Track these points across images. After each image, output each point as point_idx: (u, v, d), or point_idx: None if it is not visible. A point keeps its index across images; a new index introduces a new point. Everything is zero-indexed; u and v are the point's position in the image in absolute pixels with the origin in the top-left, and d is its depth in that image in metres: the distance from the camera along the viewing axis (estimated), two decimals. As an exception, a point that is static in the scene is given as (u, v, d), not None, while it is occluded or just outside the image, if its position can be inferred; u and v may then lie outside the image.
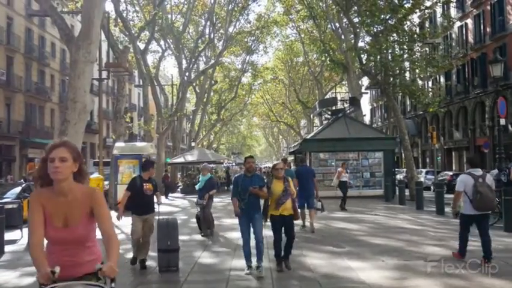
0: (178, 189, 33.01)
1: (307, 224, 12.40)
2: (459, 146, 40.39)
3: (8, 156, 35.35)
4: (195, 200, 12.33)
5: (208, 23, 36.87)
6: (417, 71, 28.95)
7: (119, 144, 21.51)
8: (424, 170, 34.81)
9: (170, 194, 28.55)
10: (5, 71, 34.35)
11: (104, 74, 21.57)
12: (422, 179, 27.48)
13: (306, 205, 12.32)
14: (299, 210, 13.53)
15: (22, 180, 27.36)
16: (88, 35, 13.16)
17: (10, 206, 12.37)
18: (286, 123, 60.72)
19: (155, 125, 33.43)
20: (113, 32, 26.67)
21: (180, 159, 33.20)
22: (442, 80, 41.48)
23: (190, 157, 32.82)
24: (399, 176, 29.41)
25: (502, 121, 14.68)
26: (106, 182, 21.30)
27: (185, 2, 35.01)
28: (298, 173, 12.80)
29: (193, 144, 43.31)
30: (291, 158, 36.99)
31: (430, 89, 35.61)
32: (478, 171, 7.95)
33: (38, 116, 40.01)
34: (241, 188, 7.55)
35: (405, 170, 30.60)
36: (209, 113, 49.25)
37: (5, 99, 34.95)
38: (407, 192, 21.13)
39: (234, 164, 48.48)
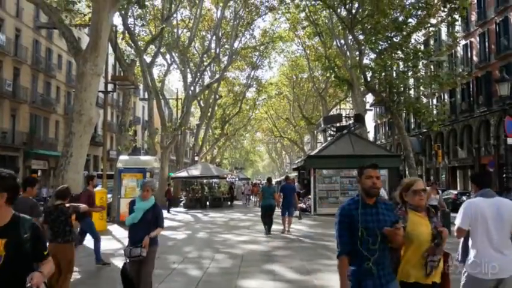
0: (181, 204, 32.89)
1: (288, 229, 15.54)
2: (464, 164, 40.21)
3: (11, 167, 35.31)
4: (125, 248, 6.45)
5: (214, 38, 37.09)
6: (421, 87, 29.01)
7: (123, 157, 21.49)
8: (428, 188, 34.62)
9: (172, 209, 28.42)
10: (12, 82, 34.49)
11: (110, 87, 21.61)
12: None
13: (287, 213, 15.63)
14: (282, 216, 15.73)
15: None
16: (95, 48, 13.22)
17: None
18: (290, 139, 60.72)
19: (159, 138, 33.45)
20: (120, 45, 26.82)
21: (183, 174, 33.13)
22: (446, 98, 41.47)
23: (194, 171, 32.74)
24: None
25: (510, 140, 14.60)
26: (110, 195, 21.23)
27: (192, 17, 35.28)
28: (282, 188, 16.34)
29: (196, 158, 43.28)
30: (294, 174, 36.92)
31: (435, 107, 35.59)
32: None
33: (43, 127, 40.07)
34: (366, 230, 3.72)
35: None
36: (213, 127, 49.31)
37: (11, 110, 35.04)
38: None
39: (237, 179, 48.34)
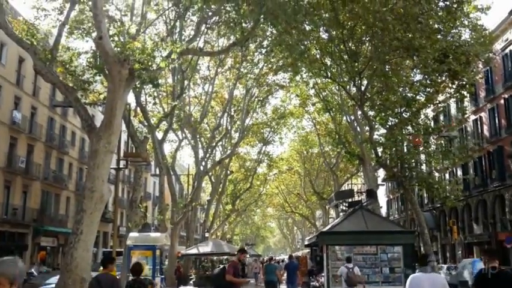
0: (191, 282, 32.01)
1: None
2: (480, 240, 39.16)
3: (20, 244, 34.98)
4: None
5: (226, 115, 37.68)
6: (433, 163, 28.87)
7: (133, 234, 21.18)
8: (445, 266, 33.51)
9: (182, 287, 27.64)
10: (25, 158, 34.93)
11: (122, 164, 21.72)
12: (443, 275, 26.40)
13: None
14: None
15: (33, 270, 26.86)
16: (109, 126, 13.40)
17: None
18: (301, 214, 60.02)
19: (169, 214, 33.17)
20: (133, 121, 27.28)
21: (194, 251, 32.46)
22: (459, 172, 41.14)
23: (205, 248, 32.07)
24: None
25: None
26: (118, 273, 20.74)
27: (203, 94, 36.08)
28: (286, 266, 18.52)
29: (206, 234, 42.66)
30: (307, 251, 36.09)
31: (448, 182, 35.24)
32: (350, 265, 14.36)
33: (54, 204, 40.06)
34: None
35: (425, 265, 29.46)
36: (224, 203, 49.01)
37: (23, 186, 35.24)
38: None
39: (248, 255, 47.23)
